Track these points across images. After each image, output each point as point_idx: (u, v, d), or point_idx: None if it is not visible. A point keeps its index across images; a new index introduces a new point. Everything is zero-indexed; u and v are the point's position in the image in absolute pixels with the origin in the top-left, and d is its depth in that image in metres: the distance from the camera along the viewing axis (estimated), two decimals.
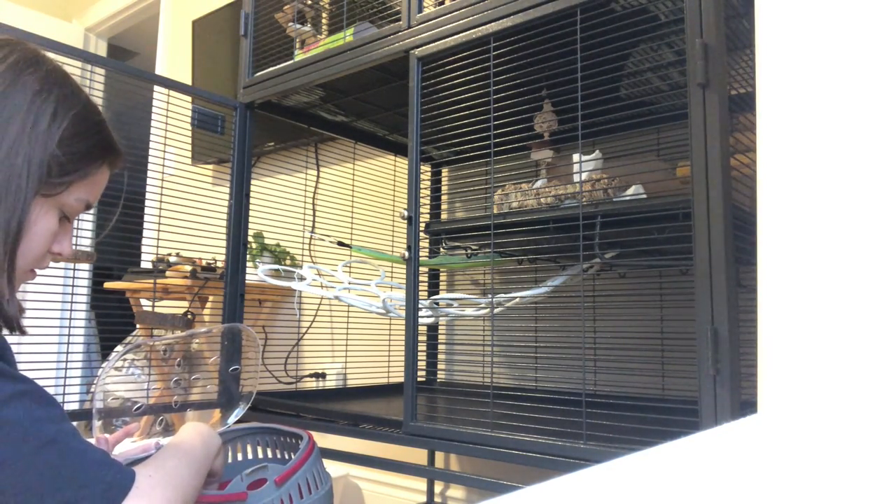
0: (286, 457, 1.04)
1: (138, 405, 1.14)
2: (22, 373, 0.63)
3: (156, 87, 1.57)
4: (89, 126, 0.71)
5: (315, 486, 0.87)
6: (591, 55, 1.05)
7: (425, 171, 1.87)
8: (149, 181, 2.75)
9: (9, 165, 0.63)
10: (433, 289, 1.84)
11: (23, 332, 0.69)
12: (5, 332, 0.68)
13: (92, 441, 0.85)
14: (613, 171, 1.19)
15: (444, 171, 1.90)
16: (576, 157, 1.12)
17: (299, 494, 0.84)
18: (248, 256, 1.60)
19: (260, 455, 1.05)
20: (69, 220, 0.72)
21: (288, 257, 2.12)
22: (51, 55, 0.73)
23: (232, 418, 1.10)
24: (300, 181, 2.15)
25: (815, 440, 0.49)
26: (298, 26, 1.52)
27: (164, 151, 1.89)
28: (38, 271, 0.72)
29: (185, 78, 2.84)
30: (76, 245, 1.55)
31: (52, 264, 0.73)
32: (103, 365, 2.55)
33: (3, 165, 0.63)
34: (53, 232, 0.70)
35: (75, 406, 1.35)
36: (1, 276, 0.64)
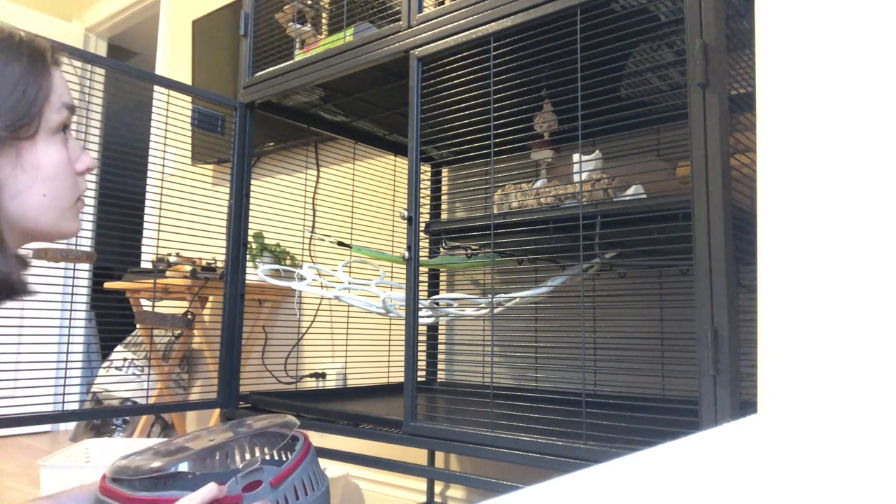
0: (282, 458, 1.04)
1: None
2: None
3: (156, 88, 1.57)
4: (10, 58, 0.67)
5: (311, 487, 0.87)
6: (591, 55, 1.05)
7: (425, 171, 1.87)
8: (149, 181, 2.76)
9: None
10: (433, 289, 1.84)
11: (26, 292, 0.68)
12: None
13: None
14: (613, 171, 1.19)
15: (444, 171, 1.90)
16: (576, 157, 1.12)
17: (295, 496, 0.84)
18: (248, 256, 1.60)
19: (256, 456, 1.05)
20: (67, 133, 0.73)
21: (288, 257, 2.12)
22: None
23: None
24: (300, 181, 2.15)
25: (815, 440, 0.49)
26: (298, 26, 1.52)
27: (164, 151, 1.89)
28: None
29: (185, 78, 2.84)
30: (76, 245, 1.54)
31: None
32: (104, 364, 2.55)
33: None
34: (66, 156, 0.71)
35: (75, 406, 1.35)
36: None
